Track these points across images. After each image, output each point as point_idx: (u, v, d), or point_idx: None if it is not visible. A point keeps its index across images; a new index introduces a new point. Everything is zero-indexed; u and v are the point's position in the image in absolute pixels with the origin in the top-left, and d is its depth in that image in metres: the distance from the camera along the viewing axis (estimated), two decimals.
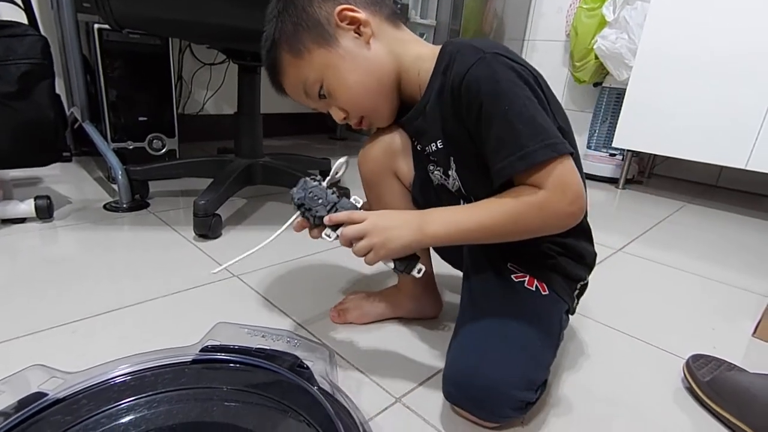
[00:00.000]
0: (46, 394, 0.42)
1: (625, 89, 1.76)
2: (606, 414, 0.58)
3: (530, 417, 0.55)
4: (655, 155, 2.09)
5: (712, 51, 1.54)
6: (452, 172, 0.58)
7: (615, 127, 1.80)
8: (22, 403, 0.42)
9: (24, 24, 0.96)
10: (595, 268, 0.64)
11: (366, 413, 0.52)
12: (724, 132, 1.56)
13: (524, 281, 0.58)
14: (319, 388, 0.45)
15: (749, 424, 0.55)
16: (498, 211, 0.49)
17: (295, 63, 0.55)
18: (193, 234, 1.00)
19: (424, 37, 2.04)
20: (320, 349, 0.53)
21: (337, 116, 0.59)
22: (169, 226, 1.06)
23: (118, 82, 1.36)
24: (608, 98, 2.03)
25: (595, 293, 0.71)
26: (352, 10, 0.54)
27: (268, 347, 0.51)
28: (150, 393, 0.46)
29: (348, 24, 0.54)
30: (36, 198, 1.00)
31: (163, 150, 1.50)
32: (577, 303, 0.64)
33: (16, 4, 1.02)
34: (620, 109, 1.78)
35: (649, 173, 2.19)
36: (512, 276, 0.59)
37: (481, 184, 0.53)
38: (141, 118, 1.43)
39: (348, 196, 0.54)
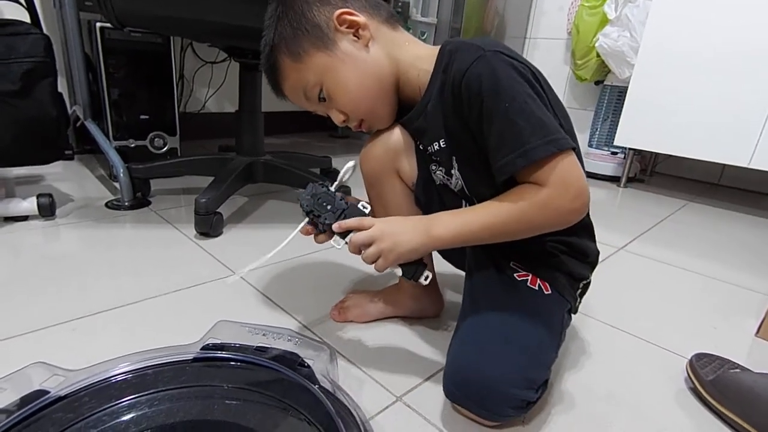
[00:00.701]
0: (48, 392, 0.42)
1: (627, 87, 1.75)
2: (608, 413, 0.58)
3: (531, 416, 0.55)
4: (656, 153, 2.09)
5: (714, 48, 1.54)
6: (455, 172, 0.58)
7: (616, 126, 1.80)
8: (24, 401, 0.42)
9: (26, 22, 0.96)
10: (597, 267, 0.64)
11: (367, 412, 0.52)
12: (727, 130, 1.55)
13: (527, 280, 0.58)
14: (320, 387, 0.45)
15: (753, 424, 0.54)
16: (502, 211, 0.49)
17: (294, 67, 0.56)
18: (195, 232, 1.00)
19: (425, 35, 2.04)
20: (321, 348, 0.53)
21: (337, 119, 0.59)
22: (171, 224, 1.06)
23: (120, 80, 1.36)
24: (610, 96, 2.03)
25: (597, 292, 0.71)
26: (351, 14, 0.54)
27: (269, 345, 0.51)
28: (151, 391, 0.46)
29: (347, 27, 0.54)
30: (38, 196, 1.00)
31: (165, 148, 1.50)
32: (580, 302, 0.64)
33: (18, 2, 1.02)
34: (622, 108, 1.77)
35: (651, 171, 2.19)
36: (515, 275, 0.58)
37: (485, 183, 0.53)
38: (143, 117, 1.43)
39: (349, 194, 0.54)
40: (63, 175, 1.36)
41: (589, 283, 0.64)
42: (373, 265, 0.51)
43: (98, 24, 1.28)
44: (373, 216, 0.54)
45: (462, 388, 0.50)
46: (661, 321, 0.83)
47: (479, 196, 0.55)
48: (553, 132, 0.47)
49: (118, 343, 0.63)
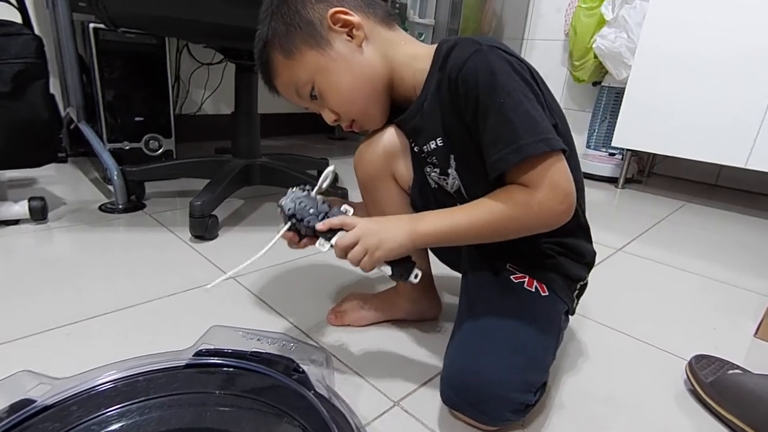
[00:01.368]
0: (34, 401, 0.41)
1: (624, 88, 1.75)
2: (606, 416, 0.57)
3: (530, 420, 0.54)
4: (654, 154, 2.09)
5: (711, 49, 1.54)
6: (452, 171, 0.57)
7: (614, 127, 1.79)
8: (12, 409, 0.41)
9: (18, 23, 0.95)
10: (595, 268, 0.64)
11: (363, 417, 0.51)
12: (724, 131, 1.55)
13: (524, 282, 0.57)
14: (315, 393, 0.45)
15: (753, 426, 0.54)
16: (489, 209, 0.49)
17: (286, 64, 0.55)
18: (190, 235, 0.99)
19: (423, 36, 2.03)
20: (317, 353, 0.52)
21: (329, 118, 0.58)
22: (165, 227, 1.05)
23: (115, 82, 1.35)
24: (607, 97, 2.02)
25: (595, 293, 0.70)
26: (345, 13, 0.53)
27: (263, 351, 0.50)
28: (142, 399, 0.45)
29: (341, 27, 0.53)
30: (30, 199, 0.99)
31: (160, 150, 1.49)
32: (577, 303, 0.63)
33: (10, 3, 1.01)
34: (619, 109, 1.77)
35: (649, 172, 2.19)
36: (512, 277, 0.58)
37: (481, 182, 0.52)
38: (137, 119, 1.42)
39: (346, 197, 0.53)
40: (56, 178, 1.34)
41: (586, 284, 0.64)
42: (360, 264, 0.49)
43: (92, 25, 1.27)
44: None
45: (460, 393, 0.49)
46: (659, 322, 0.82)
47: (476, 197, 0.54)
48: (545, 131, 0.46)
49: (112, 348, 0.61)
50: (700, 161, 1.64)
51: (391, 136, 0.61)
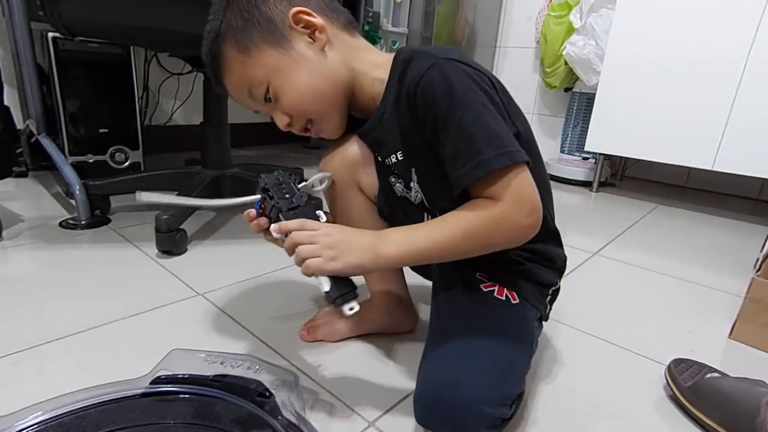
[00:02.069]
0: None
1: (595, 94, 1.78)
2: (586, 424, 0.56)
3: None
4: (626, 158, 2.13)
5: (675, 56, 1.58)
6: (414, 185, 0.56)
7: (587, 131, 1.83)
8: None
9: None
10: (572, 273, 0.63)
11: None
12: (691, 134, 1.59)
13: (494, 290, 0.56)
14: (282, 418, 0.42)
15: (732, 430, 0.53)
16: (454, 227, 0.47)
17: (241, 60, 0.52)
18: (156, 251, 0.95)
19: (397, 44, 2.03)
20: (285, 374, 0.49)
21: (281, 122, 0.56)
22: (131, 242, 1.00)
23: (77, 93, 1.30)
24: (579, 103, 2.06)
25: (571, 298, 0.69)
26: (308, 14, 0.51)
27: (227, 374, 0.47)
28: None
29: (302, 27, 0.52)
30: None
31: (127, 163, 1.43)
32: (550, 309, 0.62)
33: None
34: (591, 114, 1.80)
35: (622, 176, 2.23)
36: (481, 285, 0.56)
37: (444, 196, 0.51)
38: (102, 130, 1.37)
39: (320, 207, 0.51)
40: (15, 194, 1.28)
41: (558, 289, 0.63)
42: (306, 264, 0.46)
43: (50, 34, 1.22)
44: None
45: (433, 411, 0.47)
46: (636, 326, 0.82)
47: (441, 208, 0.53)
48: (507, 144, 0.45)
49: (64, 377, 0.57)
50: (670, 164, 1.67)
51: (353, 146, 0.60)
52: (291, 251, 0.47)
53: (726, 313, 0.88)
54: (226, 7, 0.52)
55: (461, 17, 2.17)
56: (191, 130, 1.98)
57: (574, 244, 1.18)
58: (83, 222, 1.07)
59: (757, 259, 0.96)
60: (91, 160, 1.37)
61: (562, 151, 2.17)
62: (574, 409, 0.59)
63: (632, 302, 0.93)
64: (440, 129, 0.47)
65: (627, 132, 1.73)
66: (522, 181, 0.46)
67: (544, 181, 0.53)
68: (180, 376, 0.46)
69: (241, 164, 1.26)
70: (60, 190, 1.33)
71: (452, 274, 0.58)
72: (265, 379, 0.47)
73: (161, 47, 1.20)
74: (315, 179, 0.55)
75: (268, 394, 0.45)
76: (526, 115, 0.55)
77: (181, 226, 0.97)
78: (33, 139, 1.30)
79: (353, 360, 0.65)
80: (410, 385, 0.60)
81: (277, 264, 0.93)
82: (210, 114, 1.16)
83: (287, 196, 0.49)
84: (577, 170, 2.02)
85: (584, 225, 1.46)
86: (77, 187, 1.07)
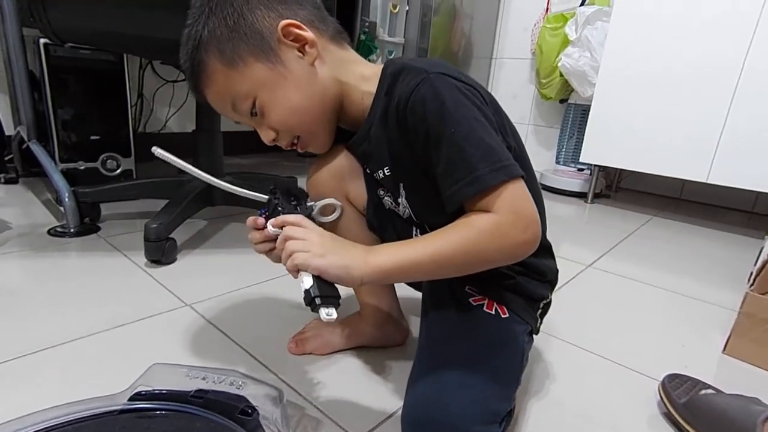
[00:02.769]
0: None
1: (590, 105, 1.79)
2: None
3: None
4: (621, 170, 2.14)
5: (669, 69, 1.59)
6: (402, 200, 0.55)
7: (582, 143, 1.83)
8: None
9: None
10: (566, 285, 0.62)
11: None
12: (686, 146, 1.60)
13: (483, 305, 0.55)
14: None
15: None
16: (449, 241, 0.45)
17: (225, 73, 0.50)
18: (145, 260, 0.94)
19: (393, 54, 2.04)
20: (269, 390, 0.48)
21: (267, 137, 0.54)
22: (120, 251, 0.99)
23: (68, 99, 1.29)
24: (574, 114, 2.07)
25: (564, 311, 0.68)
26: (299, 27, 0.50)
27: (208, 390, 0.46)
28: None
29: (292, 41, 0.50)
30: None
31: (118, 170, 1.42)
32: (541, 322, 0.61)
33: None
34: (586, 125, 1.81)
35: (616, 187, 2.23)
36: (470, 299, 0.55)
37: (433, 211, 0.50)
38: (93, 137, 1.36)
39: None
40: (4, 200, 1.26)
41: (549, 303, 0.62)
42: (292, 258, 0.44)
43: (42, 40, 1.21)
44: None
45: (420, 431, 0.46)
46: (629, 340, 0.81)
47: (430, 223, 0.52)
48: (502, 159, 0.44)
49: (44, 390, 0.55)
50: (665, 176, 1.68)
51: (340, 158, 0.59)
52: (281, 245, 0.46)
53: (720, 327, 0.88)
54: (208, 13, 0.49)
55: (457, 28, 2.18)
56: (185, 137, 1.96)
57: (568, 255, 1.17)
58: (72, 230, 1.06)
59: (751, 273, 0.96)
60: (82, 167, 1.35)
61: (558, 162, 2.17)
62: (565, 425, 0.58)
63: (625, 315, 0.92)
64: (432, 145, 0.46)
65: (622, 144, 1.73)
66: (518, 195, 0.45)
67: (537, 194, 0.52)
68: (159, 392, 0.44)
69: (233, 173, 1.25)
70: (50, 197, 1.31)
71: (442, 288, 0.57)
72: (249, 394, 0.46)
73: (152, 55, 1.20)
74: (324, 204, 0.54)
75: (250, 411, 0.43)
76: (521, 126, 0.54)
77: (171, 235, 0.96)
78: (24, 146, 1.29)
79: (341, 374, 0.63)
80: (398, 401, 0.58)
81: (268, 275, 0.91)
82: (202, 122, 1.16)
83: (293, 203, 0.49)
84: (572, 181, 2.02)
85: (579, 236, 1.45)
86: (66, 195, 1.06)
